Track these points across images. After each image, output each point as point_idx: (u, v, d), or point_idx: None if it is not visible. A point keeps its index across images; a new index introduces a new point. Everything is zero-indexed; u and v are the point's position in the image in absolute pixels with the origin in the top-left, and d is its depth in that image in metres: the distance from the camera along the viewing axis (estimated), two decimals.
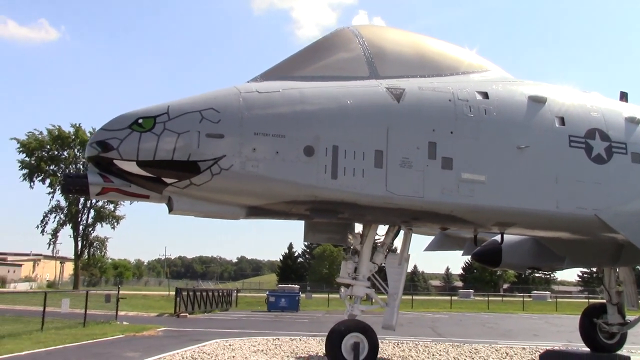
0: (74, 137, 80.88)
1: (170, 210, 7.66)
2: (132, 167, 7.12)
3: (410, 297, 58.25)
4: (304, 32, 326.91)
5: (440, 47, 9.71)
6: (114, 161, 7.09)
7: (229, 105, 7.39)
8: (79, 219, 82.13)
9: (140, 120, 7.13)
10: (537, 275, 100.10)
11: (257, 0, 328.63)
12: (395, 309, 9.19)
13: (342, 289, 9.28)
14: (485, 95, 8.79)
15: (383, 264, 9.43)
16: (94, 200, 78.71)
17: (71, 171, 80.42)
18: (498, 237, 13.29)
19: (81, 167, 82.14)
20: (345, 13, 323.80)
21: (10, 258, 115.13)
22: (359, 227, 9.42)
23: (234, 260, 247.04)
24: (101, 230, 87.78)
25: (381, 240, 9.43)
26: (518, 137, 8.74)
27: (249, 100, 7.48)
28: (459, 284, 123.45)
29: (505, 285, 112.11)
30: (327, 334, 8.59)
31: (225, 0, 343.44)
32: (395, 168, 7.92)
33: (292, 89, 7.80)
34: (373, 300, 9.40)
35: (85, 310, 26.21)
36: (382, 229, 9.42)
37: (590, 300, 46.88)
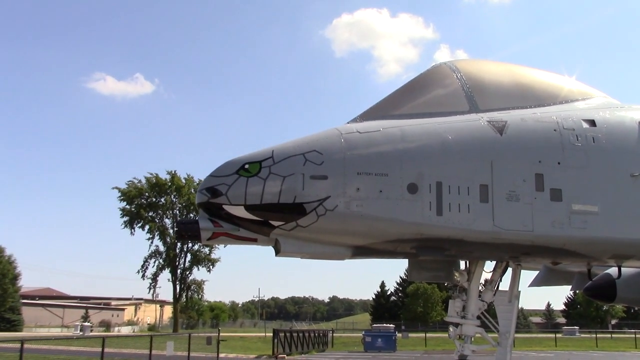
0: (170, 183, 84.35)
1: (278, 252, 7.75)
2: (240, 212, 7.28)
3: None
4: (387, 70, 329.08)
5: (540, 76, 9.50)
6: (223, 206, 7.27)
7: (331, 147, 7.47)
8: (177, 263, 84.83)
9: (246, 166, 7.31)
10: None
11: (338, 42, 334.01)
12: (508, 349, 8.87)
13: (451, 328, 9.03)
14: (592, 122, 8.49)
15: (492, 302, 9.14)
16: (190, 244, 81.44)
17: (170, 217, 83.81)
18: (611, 270, 12.67)
19: (177, 212, 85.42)
20: (426, 48, 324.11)
21: (113, 303, 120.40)
22: (464, 264, 9.19)
23: (326, 300, 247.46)
24: (197, 273, 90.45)
25: (489, 277, 9.16)
26: (630, 165, 8.34)
27: (350, 141, 7.54)
28: (562, 320, 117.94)
29: (614, 321, 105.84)
30: None
31: (308, 45, 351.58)
32: (501, 202, 7.71)
33: (393, 128, 7.80)
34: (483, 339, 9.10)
35: (189, 353, 26.81)
36: (489, 266, 9.16)
37: None
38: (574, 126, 8.35)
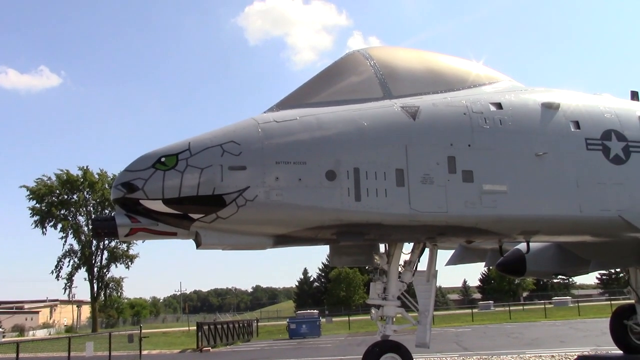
0: (82, 180, 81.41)
1: (199, 245, 7.70)
2: (158, 206, 7.18)
3: None
4: (301, 57, 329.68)
5: (450, 61, 9.81)
6: (140, 201, 7.16)
7: (249, 137, 7.47)
8: (93, 261, 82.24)
9: (162, 159, 7.21)
10: (555, 281, 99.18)
11: (251, 30, 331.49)
12: (427, 326, 9.20)
13: (373, 310, 9.25)
14: (499, 105, 8.85)
15: (411, 282, 9.42)
16: (107, 242, 79.08)
17: (84, 214, 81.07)
18: (520, 246, 13.29)
19: (91, 209, 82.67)
20: (340, 35, 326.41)
21: (27, 306, 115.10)
22: (383, 247, 9.42)
23: (249, 290, 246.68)
24: (116, 270, 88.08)
25: (407, 258, 9.43)
26: (535, 145, 8.77)
27: (267, 130, 7.56)
28: (478, 296, 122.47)
29: (525, 294, 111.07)
30: (361, 357, 8.55)
31: (220, 34, 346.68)
32: (417, 185, 7.96)
33: (309, 116, 7.88)
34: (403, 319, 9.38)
35: (110, 352, 26.15)
36: (407, 247, 9.42)
37: (612, 302, 46.46)
38: (482, 109, 8.68)
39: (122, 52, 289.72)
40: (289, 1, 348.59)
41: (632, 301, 14.55)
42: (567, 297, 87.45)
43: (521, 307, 77.52)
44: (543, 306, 63.78)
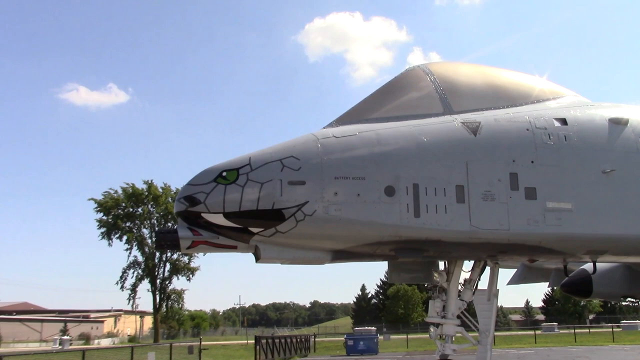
0: (146, 193, 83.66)
1: (258, 259, 7.78)
2: (219, 219, 7.30)
3: None
4: (361, 74, 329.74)
5: (512, 76, 9.66)
6: (202, 214, 7.29)
7: (308, 152, 7.52)
8: (156, 273, 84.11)
9: (224, 173, 7.33)
10: (624, 303, 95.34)
11: (311, 47, 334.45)
12: (488, 347, 8.99)
13: (432, 329, 9.10)
14: (564, 121, 8.64)
15: (471, 301, 9.24)
16: (169, 254, 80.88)
17: (148, 226, 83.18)
18: (587, 266, 12.88)
19: (155, 222, 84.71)
20: (400, 51, 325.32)
21: (92, 315, 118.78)
22: (443, 265, 9.28)
23: (307, 305, 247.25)
24: (177, 282, 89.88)
25: (468, 276, 9.27)
26: (602, 161, 8.51)
27: (327, 146, 7.60)
28: (541, 317, 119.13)
29: (591, 316, 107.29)
30: None
31: (281, 51, 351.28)
32: (477, 202, 7.82)
33: (368, 131, 7.88)
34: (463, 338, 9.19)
35: None
36: (467, 265, 9.27)
37: None
38: (546, 125, 8.50)
39: (186, 70, 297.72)
40: (349, 17, 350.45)
41: None
42: (637, 321, 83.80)
43: (587, 330, 74.89)
44: (611, 329, 61.40)
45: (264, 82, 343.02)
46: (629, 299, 16.66)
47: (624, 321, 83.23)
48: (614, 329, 61.72)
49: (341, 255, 8.00)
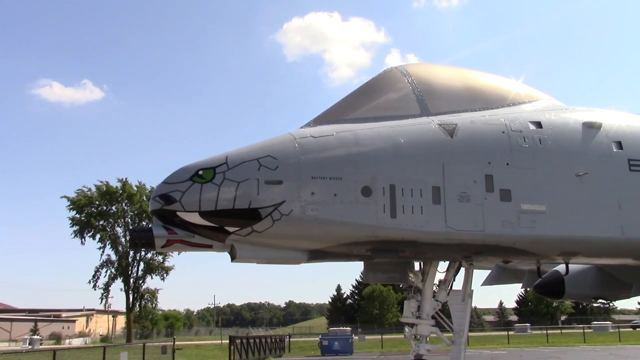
0: (121, 191, 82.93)
1: (233, 258, 7.74)
2: (194, 218, 7.25)
3: None
4: (339, 74, 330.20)
5: (488, 79, 9.72)
6: (177, 213, 7.24)
7: (286, 152, 7.50)
8: (130, 272, 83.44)
9: (200, 172, 7.28)
10: (595, 305, 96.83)
11: (289, 46, 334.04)
12: (462, 347, 9.04)
13: (407, 329, 9.15)
14: (539, 124, 8.72)
15: (446, 301, 9.29)
16: (143, 253, 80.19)
17: (122, 225, 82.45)
18: (559, 268, 13.02)
19: (129, 220, 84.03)
20: (378, 52, 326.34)
21: (64, 314, 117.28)
22: (418, 265, 9.32)
23: (283, 305, 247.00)
24: (151, 282, 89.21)
25: (442, 277, 9.32)
26: (575, 165, 8.61)
27: (304, 145, 7.58)
28: (514, 318, 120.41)
29: (563, 317, 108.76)
30: None
31: (259, 50, 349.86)
32: (453, 203, 7.86)
33: (346, 132, 7.88)
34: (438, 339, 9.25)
35: None
36: (442, 266, 9.32)
37: None
38: (522, 128, 8.57)
39: (163, 68, 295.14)
40: (328, 17, 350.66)
41: None
42: (608, 322, 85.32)
43: (559, 331, 75.92)
44: (582, 331, 62.29)
45: (241, 81, 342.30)
46: (600, 300, 16.90)
47: (595, 322, 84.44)
48: (585, 330, 62.64)
49: (317, 255, 8.00)
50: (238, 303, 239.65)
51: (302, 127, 8.16)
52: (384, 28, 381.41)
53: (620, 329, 63.35)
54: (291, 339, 57.14)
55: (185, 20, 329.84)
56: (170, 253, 77.88)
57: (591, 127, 9.01)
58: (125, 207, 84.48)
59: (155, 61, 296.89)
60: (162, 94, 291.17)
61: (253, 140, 7.95)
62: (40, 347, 66.23)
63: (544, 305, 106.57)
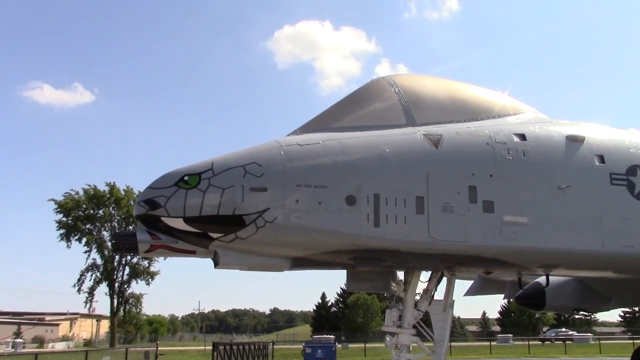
0: (108, 195, 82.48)
1: (217, 264, 7.74)
2: (179, 224, 7.25)
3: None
4: (329, 83, 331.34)
5: (474, 91, 9.81)
6: (162, 218, 7.24)
7: (271, 159, 7.53)
8: (115, 277, 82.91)
9: (186, 178, 7.30)
10: (577, 317, 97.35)
11: (280, 54, 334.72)
12: (442, 357, 9.08)
13: (388, 338, 9.18)
14: (523, 137, 8.80)
15: (427, 311, 9.34)
16: (129, 257, 79.76)
17: (109, 229, 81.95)
18: (541, 279, 13.13)
19: (116, 224, 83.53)
20: (369, 62, 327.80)
21: (48, 318, 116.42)
22: (401, 274, 9.37)
23: (267, 312, 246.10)
24: (136, 286, 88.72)
25: (425, 286, 9.36)
26: (558, 178, 8.69)
27: (290, 153, 7.62)
28: (497, 328, 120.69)
29: (545, 329, 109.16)
30: None
31: (250, 57, 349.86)
32: (436, 213, 7.91)
33: (332, 140, 7.93)
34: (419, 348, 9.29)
35: None
36: (425, 276, 9.36)
37: (635, 342, 45.40)
38: (506, 140, 8.64)
39: (154, 73, 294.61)
40: (319, 26, 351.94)
41: None
42: (589, 335, 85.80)
43: (541, 342, 76.21)
44: (563, 342, 62.57)
45: (231, 87, 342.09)
46: (581, 311, 17.05)
47: (577, 334, 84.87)
48: (566, 342, 62.95)
49: (300, 262, 8.03)
50: (223, 309, 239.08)
51: (288, 135, 8.20)
52: (374, 38, 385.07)
53: (601, 341, 63.58)
54: (275, 346, 56.94)
55: (177, 24, 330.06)
56: (156, 258, 77.54)
57: (574, 141, 9.10)
58: (113, 211, 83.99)
59: (145, 66, 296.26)
60: (151, 99, 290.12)
61: (241, 147, 7.97)
62: (23, 350, 65.59)
63: (527, 317, 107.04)
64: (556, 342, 75.42)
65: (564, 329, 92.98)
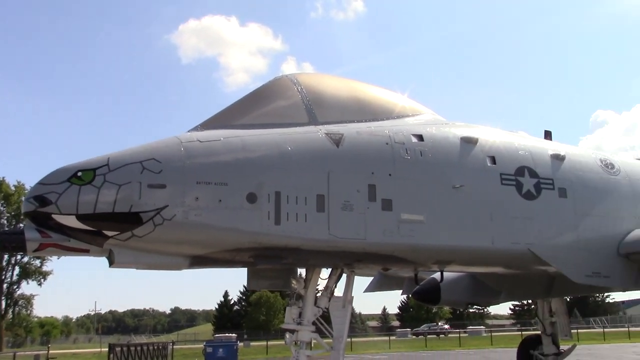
0: None
1: (112, 263, 7.47)
2: (71, 221, 6.94)
3: (349, 339, 57.83)
4: (234, 79, 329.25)
5: (376, 92, 9.98)
6: (52, 215, 6.90)
7: (170, 155, 7.35)
8: (3, 277, 78.50)
9: (79, 173, 6.99)
10: (471, 310, 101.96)
11: (185, 49, 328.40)
12: (341, 352, 9.21)
13: (288, 335, 9.21)
14: (420, 137, 9.05)
15: (327, 308, 9.43)
16: (19, 256, 75.73)
17: None
18: (436, 275, 13.59)
19: (5, 222, 79.13)
20: (275, 59, 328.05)
21: None
22: (301, 272, 9.43)
23: (168, 311, 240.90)
24: (27, 287, 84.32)
25: (325, 283, 9.46)
26: (453, 177, 9.01)
27: (190, 150, 7.47)
28: (397, 323, 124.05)
29: (441, 322, 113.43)
30: None
31: (153, 50, 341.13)
32: (337, 211, 8.00)
33: (234, 137, 7.84)
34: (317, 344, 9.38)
35: None
36: (325, 273, 9.47)
37: (523, 333, 48.04)
38: (404, 140, 8.86)
39: (49, 64, 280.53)
40: (225, 21, 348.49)
41: (539, 332, 15.13)
42: (481, 327, 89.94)
43: (437, 336, 79.10)
44: (458, 335, 65.23)
45: (132, 82, 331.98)
46: (474, 305, 17.82)
47: (470, 327, 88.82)
48: (461, 335, 65.67)
49: (200, 261, 7.90)
50: (121, 309, 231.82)
51: (189, 131, 8.04)
52: (281, 35, 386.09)
53: (493, 333, 66.76)
54: (175, 346, 55.71)
55: (74, 13, 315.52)
56: (49, 257, 74.07)
57: (469, 142, 9.47)
58: (2, 208, 79.58)
59: (41, 57, 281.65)
60: (48, 92, 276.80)
61: (141, 142, 7.71)
62: None
63: (424, 312, 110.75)
64: (449, 335, 78.53)
65: (438, 323, 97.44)
